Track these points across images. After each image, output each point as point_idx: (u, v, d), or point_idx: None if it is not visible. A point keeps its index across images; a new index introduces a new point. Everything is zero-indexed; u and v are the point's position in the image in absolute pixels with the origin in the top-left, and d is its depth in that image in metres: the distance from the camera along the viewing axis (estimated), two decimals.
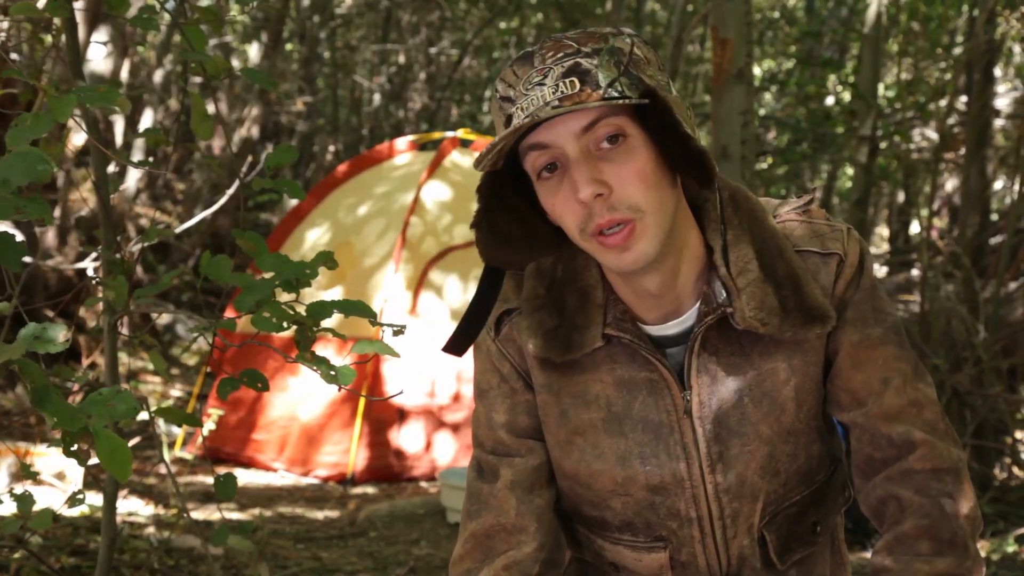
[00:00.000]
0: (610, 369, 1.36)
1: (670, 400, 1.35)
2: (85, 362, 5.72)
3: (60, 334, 1.41)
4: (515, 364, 1.42)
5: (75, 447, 1.69)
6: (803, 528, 1.42)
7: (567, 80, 1.21)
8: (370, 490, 5.36)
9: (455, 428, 5.56)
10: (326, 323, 1.65)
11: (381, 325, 1.52)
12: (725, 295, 1.32)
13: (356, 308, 1.58)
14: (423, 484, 5.47)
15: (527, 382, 1.42)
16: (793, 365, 1.34)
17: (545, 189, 1.28)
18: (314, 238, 6.26)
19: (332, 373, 1.51)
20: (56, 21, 2.12)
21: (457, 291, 5.85)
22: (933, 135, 9.87)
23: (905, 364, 1.35)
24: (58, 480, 4.21)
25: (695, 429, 1.35)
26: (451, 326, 5.65)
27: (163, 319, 8.43)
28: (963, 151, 8.90)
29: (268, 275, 1.68)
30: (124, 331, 2.09)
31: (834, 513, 1.48)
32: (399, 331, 1.52)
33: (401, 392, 2.01)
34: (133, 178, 9.71)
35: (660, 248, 1.27)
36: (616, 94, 1.20)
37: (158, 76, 10.93)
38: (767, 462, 1.36)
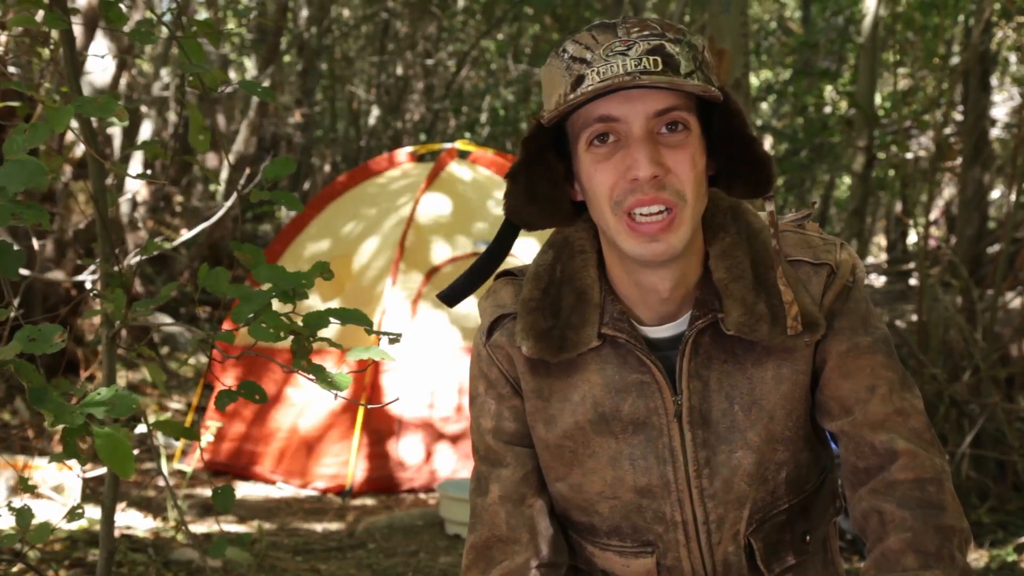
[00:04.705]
0: (600, 370, 1.36)
1: (660, 403, 1.35)
2: (83, 375, 5.71)
3: (55, 335, 1.41)
4: (503, 370, 1.42)
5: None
6: (792, 537, 1.42)
7: (651, 58, 1.22)
8: (369, 502, 5.34)
9: (454, 440, 5.55)
10: (323, 333, 1.65)
11: (377, 334, 1.52)
12: (718, 301, 1.33)
13: (352, 317, 1.59)
14: (422, 496, 5.46)
15: (515, 388, 1.42)
16: (782, 373, 1.35)
17: (591, 157, 1.28)
18: (312, 250, 6.26)
19: (329, 380, 1.51)
20: (54, 34, 2.13)
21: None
22: (930, 144, 9.89)
23: (892, 373, 1.35)
24: (57, 493, 4.21)
25: (684, 433, 1.35)
26: (450, 336, 5.65)
27: (161, 331, 8.42)
28: (960, 160, 8.92)
29: (265, 286, 1.68)
30: (122, 344, 2.09)
31: (824, 523, 1.47)
32: (395, 339, 1.52)
33: (397, 399, 2.02)
34: (131, 191, 9.70)
35: (686, 243, 1.29)
36: (699, 83, 1.22)
37: (156, 89, 10.93)
38: (755, 469, 1.36)
